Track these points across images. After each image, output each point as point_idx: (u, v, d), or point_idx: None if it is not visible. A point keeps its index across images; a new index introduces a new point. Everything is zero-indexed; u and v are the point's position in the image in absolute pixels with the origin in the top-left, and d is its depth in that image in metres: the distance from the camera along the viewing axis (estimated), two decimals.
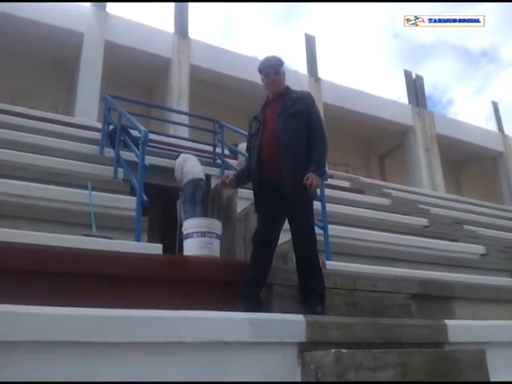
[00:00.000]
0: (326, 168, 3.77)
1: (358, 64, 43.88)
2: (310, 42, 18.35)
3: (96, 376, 1.94)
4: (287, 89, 3.37)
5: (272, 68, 3.30)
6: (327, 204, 4.85)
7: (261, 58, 3.54)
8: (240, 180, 3.52)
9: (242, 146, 6.48)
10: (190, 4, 16.26)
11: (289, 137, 3.11)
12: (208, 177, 6.85)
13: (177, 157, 6.85)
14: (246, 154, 3.67)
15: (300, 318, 2.54)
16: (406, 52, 55.20)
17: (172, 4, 15.96)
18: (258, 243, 3.15)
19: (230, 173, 3.50)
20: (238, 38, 46.22)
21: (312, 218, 3.19)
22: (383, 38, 51.98)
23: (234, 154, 7.73)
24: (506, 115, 22.46)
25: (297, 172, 3.03)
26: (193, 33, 16.19)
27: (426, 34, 54.06)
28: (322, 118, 3.35)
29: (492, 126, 21.93)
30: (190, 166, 6.53)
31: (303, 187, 2.97)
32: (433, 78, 64.06)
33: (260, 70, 3.34)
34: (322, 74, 18.00)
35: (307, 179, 2.96)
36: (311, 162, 3.07)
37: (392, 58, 52.85)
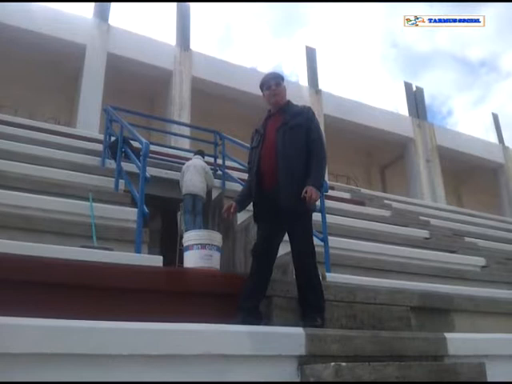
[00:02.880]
0: (327, 179, 3.79)
1: (357, 73, 44.17)
2: (310, 55, 18.47)
3: None
4: (288, 103, 3.41)
5: (273, 80, 3.36)
6: (327, 215, 4.86)
7: (260, 68, 3.58)
8: (241, 205, 3.48)
9: None
10: (192, 15, 16.41)
11: (287, 149, 3.14)
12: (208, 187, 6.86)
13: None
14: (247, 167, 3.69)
15: (299, 330, 2.54)
16: (404, 61, 55.52)
17: (174, 16, 16.10)
18: (258, 255, 3.16)
19: (231, 202, 3.51)
20: (237, 46, 46.60)
21: (311, 230, 3.20)
22: (382, 48, 52.32)
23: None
24: (505, 125, 22.56)
25: (295, 184, 3.05)
26: (194, 44, 16.35)
27: (425, 42, 54.34)
28: (321, 131, 3.38)
29: (492, 138, 21.98)
30: (188, 179, 6.51)
31: (302, 200, 2.99)
32: (432, 88, 64.40)
33: (262, 85, 3.39)
34: (323, 85, 18.13)
35: (306, 192, 2.98)
36: (309, 174, 3.09)
37: (391, 68, 53.14)
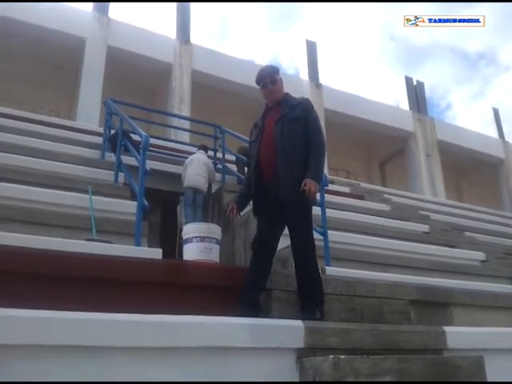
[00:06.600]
0: (327, 173, 3.77)
1: (356, 66, 43.99)
2: (311, 48, 18.42)
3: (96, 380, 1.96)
4: (286, 96, 3.38)
5: (268, 78, 3.32)
6: (327, 209, 4.86)
7: (258, 61, 3.54)
8: (242, 205, 3.44)
9: None
10: (191, 8, 16.35)
11: (286, 142, 3.12)
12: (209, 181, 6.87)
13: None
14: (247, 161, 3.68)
15: (299, 323, 2.54)
16: (403, 54, 55.02)
17: (174, 9, 16.05)
18: (257, 248, 3.16)
19: (230, 202, 3.47)
20: (234, 39, 46.38)
21: (310, 223, 3.19)
22: (380, 41, 51.93)
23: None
24: (504, 119, 22.53)
25: (294, 177, 3.03)
26: (194, 37, 16.30)
27: (423, 35, 54.10)
28: (319, 122, 3.35)
29: (491, 132, 22.00)
30: (190, 172, 6.54)
31: (301, 193, 2.98)
32: (431, 81, 64.10)
33: (257, 82, 3.36)
34: (323, 78, 18.10)
35: (305, 185, 2.97)
36: (308, 167, 3.08)
37: (389, 61, 52.70)
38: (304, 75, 17.93)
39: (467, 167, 21.54)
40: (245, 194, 3.43)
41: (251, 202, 3.38)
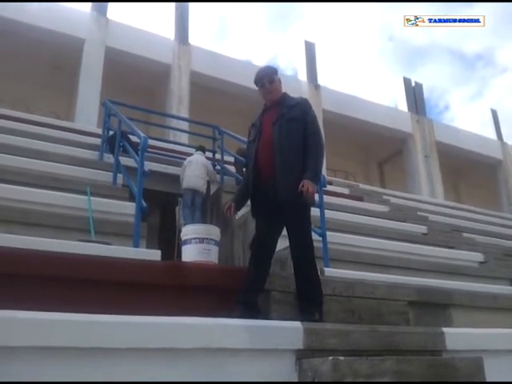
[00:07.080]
0: (325, 174, 3.76)
1: (355, 67, 44.10)
2: (309, 49, 18.43)
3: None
4: (284, 96, 3.38)
5: (266, 78, 3.32)
6: (326, 211, 4.86)
7: (256, 62, 3.54)
8: (239, 204, 3.44)
9: None
10: (190, 9, 16.35)
11: (284, 143, 3.12)
12: (208, 183, 6.86)
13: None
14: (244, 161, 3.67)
15: (297, 325, 2.54)
16: (401, 55, 55.12)
17: (173, 10, 16.04)
18: (256, 250, 3.15)
19: (228, 201, 3.47)
20: (232, 39, 46.48)
21: (309, 224, 3.19)
22: (379, 41, 51.98)
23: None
24: (502, 121, 22.53)
25: (292, 178, 3.03)
26: (192, 37, 16.30)
27: (421, 36, 54.15)
28: (318, 124, 3.34)
29: (490, 133, 22.00)
30: (188, 174, 6.53)
31: (299, 193, 2.98)
32: (429, 82, 64.19)
33: (256, 82, 3.36)
34: (321, 79, 18.12)
35: (302, 186, 2.97)
36: (306, 168, 3.07)
37: (388, 61, 52.78)
38: (302, 76, 17.96)
39: (465, 168, 21.57)
40: (242, 194, 3.43)
41: (249, 203, 3.38)
